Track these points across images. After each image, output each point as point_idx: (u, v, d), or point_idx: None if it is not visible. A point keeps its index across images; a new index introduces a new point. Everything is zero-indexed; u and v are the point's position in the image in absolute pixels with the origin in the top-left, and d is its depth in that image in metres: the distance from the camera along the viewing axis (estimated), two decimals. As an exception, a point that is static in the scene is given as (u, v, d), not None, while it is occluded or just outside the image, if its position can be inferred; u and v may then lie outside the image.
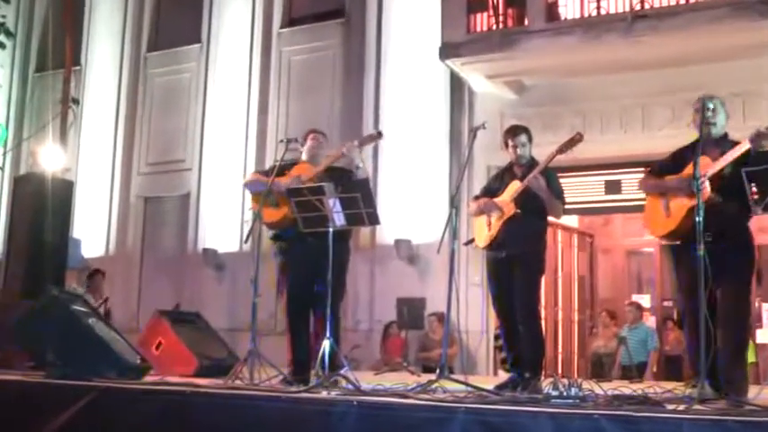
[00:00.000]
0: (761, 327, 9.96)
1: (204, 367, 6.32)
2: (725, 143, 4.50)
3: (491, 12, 9.22)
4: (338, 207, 5.00)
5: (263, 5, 11.93)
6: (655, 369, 9.28)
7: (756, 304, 9.78)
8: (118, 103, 12.92)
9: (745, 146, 4.27)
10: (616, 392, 4.12)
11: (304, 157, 5.70)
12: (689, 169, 4.24)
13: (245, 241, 6.11)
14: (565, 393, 3.85)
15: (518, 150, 5.31)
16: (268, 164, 11.14)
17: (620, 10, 8.60)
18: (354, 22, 11.21)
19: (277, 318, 10.86)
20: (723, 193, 4.26)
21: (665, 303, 11.97)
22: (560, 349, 10.89)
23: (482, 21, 9.29)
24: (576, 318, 11.39)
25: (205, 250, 11.57)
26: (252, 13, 11.97)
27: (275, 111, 11.57)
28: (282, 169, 5.57)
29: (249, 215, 4.90)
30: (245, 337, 5.39)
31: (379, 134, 5.80)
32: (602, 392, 4.17)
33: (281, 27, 11.87)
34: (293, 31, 11.79)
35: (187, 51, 12.57)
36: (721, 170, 4.29)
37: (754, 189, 4.05)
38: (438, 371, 4.68)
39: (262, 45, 11.86)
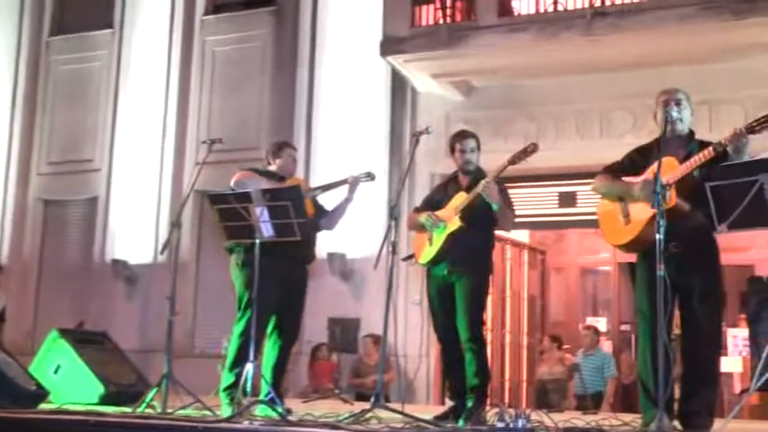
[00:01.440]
0: (725, 354, 10.19)
1: (111, 394, 6.23)
2: (692, 142, 4.54)
3: (438, 4, 9.30)
4: (266, 216, 5.02)
5: (185, -12, 11.85)
6: (612, 400, 9.44)
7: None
8: (14, 93, 12.65)
9: (711, 151, 4.28)
10: (568, 425, 4.18)
11: (276, 170, 5.78)
12: (652, 170, 4.22)
13: (162, 252, 6.06)
14: (511, 425, 3.88)
15: (466, 156, 5.39)
16: (188, 166, 11.09)
17: (579, 6, 8.74)
18: (286, 11, 11.21)
19: (195, 338, 10.81)
20: (692, 200, 4.28)
21: (623, 327, 12.24)
22: (507, 376, 11.03)
23: (428, 14, 9.37)
24: (525, 342, 11.54)
25: (114, 261, 11.40)
26: (172, -3, 11.88)
27: (197, 107, 11.49)
28: (268, 177, 5.66)
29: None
30: (159, 359, 5.34)
31: (374, 176, 5.91)
32: (552, 424, 4.21)
33: (205, 14, 11.80)
34: (218, 18, 11.73)
35: (97, 37, 12.39)
36: (690, 173, 4.31)
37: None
38: (373, 399, 4.70)
39: (182, 33, 11.77)
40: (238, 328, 5.48)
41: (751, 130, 4.18)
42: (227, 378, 5.44)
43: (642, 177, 4.45)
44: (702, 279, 4.43)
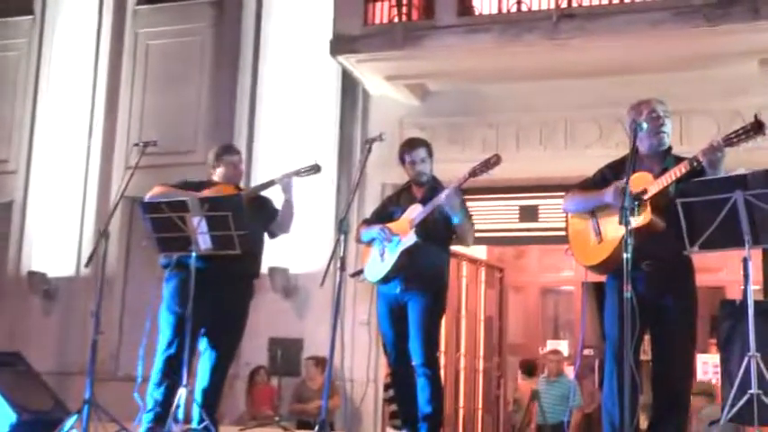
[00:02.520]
0: (692, 381, 10.32)
1: (24, 422, 6.12)
2: (668, 157, 4.61)
3: (393, 1, 9.34)
4: (204, 227, 5.01)
5: (115, -27, 11.75)
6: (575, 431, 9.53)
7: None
8: None
9: (687, 165, 4.33)
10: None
11: (218, 177, 5.71)
12: (630, 184, 4.23)
13: (86, 264, 5.99)
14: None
15: (416, 167, 5.44)
16: (118, 169, 10.98)
17: (545, 7, 8.80)
18: (229, 3, 11.17)
19: (120, 359, 10.67)
20: (667, 217, 4.33)
21: (586, 351, 12.37)
22: (462, 403, 11.08)
23: (382, 11, 9.38)
24: (482, 366, 11.62)
25: (31, 273, 11.22)
26: (101, -17, 11.78)
27: (127, 105, 11.38)
28: (198, 187, 5.61)
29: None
30: (80, 382, 5.29)
31: (319, 167, 5.88)
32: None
33: (138, 3, 11.70)
34: (153, 9, 11.64)
35: (15, 24, 12.20)
36: (666, 189, 4.36)
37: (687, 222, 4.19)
38: (316, 427, 4.70)
39: (113, 23, 11.65)
40: (160, 347, 5.44)
41: (728, 142, 4.23)
42: (148, 400, 5.39)
43: (614, 184, 4.46)
44: (676, 301, 4.50)
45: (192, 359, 5.37)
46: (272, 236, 5.83)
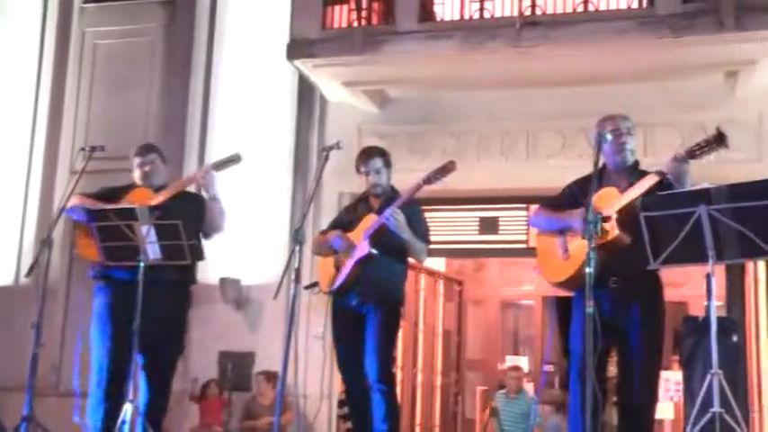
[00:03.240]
0: (656, 400, 10.41)
1: (-41, 439, 6.06)
2: (634, 173, 4.71)
3: (352, 5, 9.34)
4: (153, 237, 4.97)
5: (61, -31, 11.63)
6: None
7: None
8: None
9: (656, 177, 4.46)
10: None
11: (137, 180, 5.66)
12: (596, 200, 4.34)
13: (27, 274, 5.91)
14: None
15: (372, 178, 5.46)
16: (62, 175, 10.86)
17: (508, 14, 8.83)
18: (182, 4, 11.12)
19: (62, 374, 10.54)
20: (634, 231, 4.39)
21: (547, 368, 12.46)
22: (419, 420, 11.09)
23: (341, 15, 9.39)
24: (439, 382, 11.65)
25: (-34, 283, 11.07)
26: (46, -22, 11.65)
27: (73, 108, 11.25)
28: (118, 192, 5.53)
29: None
30: (18, 398, 5.22)
31: (239, 158, 5.81)
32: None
33: (85, 1, 11.58)
34: (101, 7, 11.52)
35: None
36: (632, 203, 4.44)
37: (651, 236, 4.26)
38: (268, 444, 4.70)
39: (58, 21, 11.52)
40: (94, 366, 5.39)
41: (691, 154, 4.35)
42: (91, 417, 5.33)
43: (581, 209, 4.53)
44: (642, 317, 4.58)
45: (136, 373, 5.31)
46: (206, 236, 5.72)
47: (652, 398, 4.77)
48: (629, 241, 4.43)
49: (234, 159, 5.78)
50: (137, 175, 5.71)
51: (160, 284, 5.29)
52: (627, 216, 4.44)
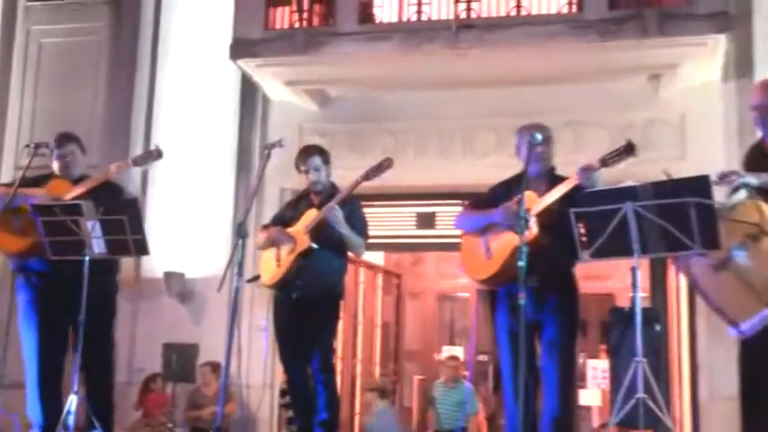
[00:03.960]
0: (585, 387, 10.57)
1: None
2: (552, 177, 4.87)
3: (294, 7, 9.33)
4: (98, 231, 4.92)
5: (6, -32, 11.43)
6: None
7: (581, 360, 10.41)
8: None
9: (572, 182, 4.64)
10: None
11: (56, 170, 5.56)
12: (515, 200, 4.52)
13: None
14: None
15: (311, 176, 5.48)
16: (6, 171, 10.67)
17: (445, 17, 8.89)
18: (126, 3, 10.98)
19: (7, 365, 10.35)
20: (551, 233, 4.58)
21: (481, 357, 12.57)
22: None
23: (283, 16, 9.37)
24: (378, 372, 11.68)
25: None
26: (-11, -23, 11.43)
27: (18, 105, 11.05)
28: (36, 182, 5.42)
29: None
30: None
31: (159, 153, 5.70)
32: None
33: (30, -1, 11.43)
34: (46, 6, 11.34)
35: None
36: (549, 207, 4.62)
37: (582, 231, 4.39)
38: (211, 433, 4.68)
39: (2, 19, 11.31)
40: (27, 362, 5.30)
41: (604, 163, 4.60)
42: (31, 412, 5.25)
43: (502, 205, 4.71)
44: (558, 316, 4.74)
45: (60, 368, 5.23)
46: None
47: (571, 391, 4.95)
48: (547, 242, 4.57)
49: (154, 155, 5.69)
50: (56, 166, 5.60)
51: (82, 275, 5.00)
52: (545, 218, 4.61)
